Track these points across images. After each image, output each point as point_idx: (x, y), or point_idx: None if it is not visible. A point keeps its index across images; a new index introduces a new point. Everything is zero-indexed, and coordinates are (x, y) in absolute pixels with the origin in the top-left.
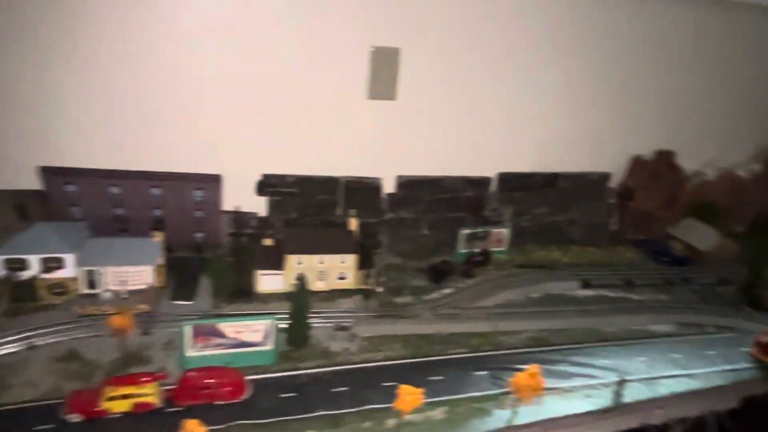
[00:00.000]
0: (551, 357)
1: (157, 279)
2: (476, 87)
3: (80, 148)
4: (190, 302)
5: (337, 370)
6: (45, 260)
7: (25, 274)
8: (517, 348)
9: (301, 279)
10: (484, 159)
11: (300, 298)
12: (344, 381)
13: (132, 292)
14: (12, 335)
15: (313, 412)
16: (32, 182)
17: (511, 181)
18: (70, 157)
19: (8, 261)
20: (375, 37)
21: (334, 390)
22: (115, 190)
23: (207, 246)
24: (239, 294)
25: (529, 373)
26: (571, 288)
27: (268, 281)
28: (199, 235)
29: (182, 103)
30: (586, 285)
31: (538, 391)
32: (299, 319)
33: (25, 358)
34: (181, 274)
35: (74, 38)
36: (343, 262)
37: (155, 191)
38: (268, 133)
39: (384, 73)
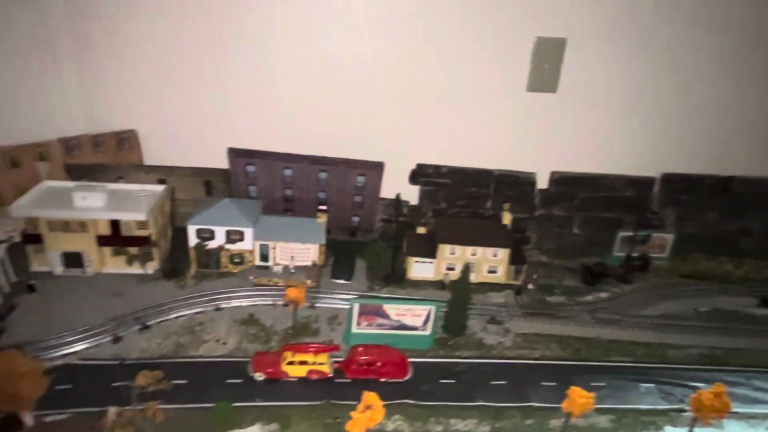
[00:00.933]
0: (728, 378)
1: (320, 257)
2: (643, 80)
3: (261, 133)
4: (349, 281)
5: (494, 363)
6: (229, 232)
7: (212, 244)
8: (687, 364)
9: (466, 268)
10: (646, 158)
11: (462, 287)
12: (502, 374)
13: (298, 268)
14: (202, 297)
15: (473, 401)
16: (220, 162)
17: (676, 183)
18: (253, 140)
19: (199, 231)
20: (540, 27)
21: (492, 382)
22: (287, 172)
23: (360, 230)
24: (392, 278)
25: (713, 392)
26: (747, 305)
27: (419, 268)
28: (355, 219)
29: (347, 93)
30: (765, 303)
31: (722, 413)
32: (459, 307)
33: (212, 318)
34: (338, 254)
35: (255, 37)
36: (495, 256)
37: (322, 175)
38: (424, 123)
39: (547, 64)
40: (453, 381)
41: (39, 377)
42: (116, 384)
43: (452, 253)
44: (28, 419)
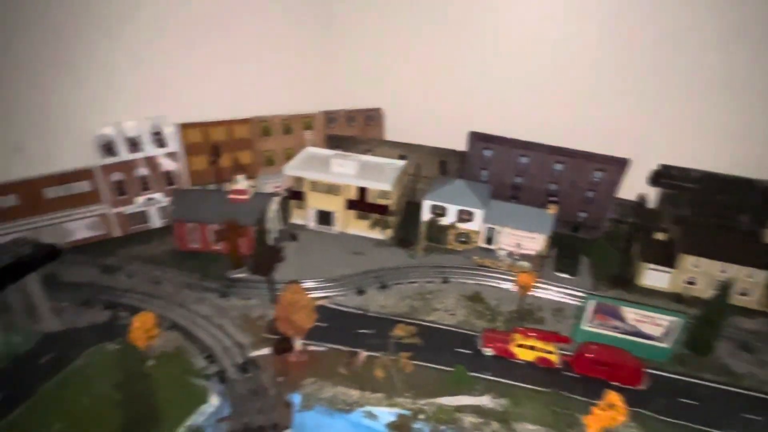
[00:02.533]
0: None
1: (545, 248)
2: None
3: (499, 119)
4: (573, 277)
5: (746, 395)
6: (461, 212)
7: (443, 221)
8: None
9: (726, 286)
10: None
11: (718, 305)
12: (756, 409)
13: (522, 256)
14: (431, 268)
15: (719, 430)
16: (456, 144)
17: None
18: (491, 126)
19: (434, 207)
20: None
21: (744, 415)
22: (523, 159)
23: (585, 227)
24: (619, 281)
25: None
26: None
27: (653, 276)
28: (582, 214)
29: (588, 83)
30: None
31: None
32: (710, 326)
33: (441, 289)
34: (562, 248)
35: (497, 23)
36: (750, 277)
37: (558, 166)
38: (671, 119)
39: None
40: (695, 402)
41: (312, 311)
42: (362, 331)
43: (696, 266)
44: (297, 344)
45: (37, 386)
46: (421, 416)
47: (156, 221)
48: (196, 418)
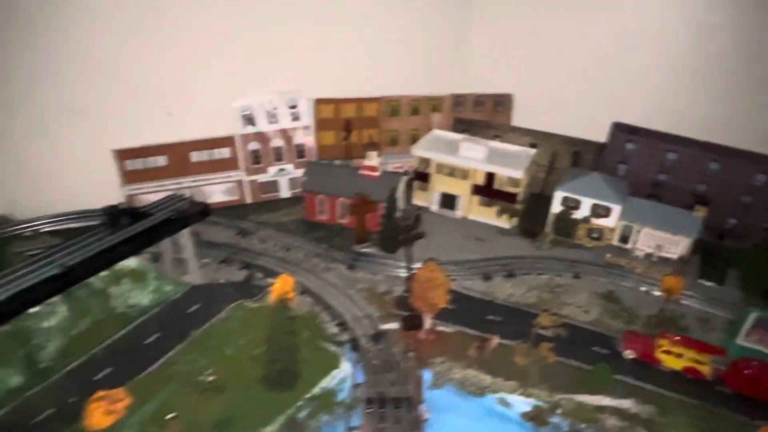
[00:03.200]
0: None
1: (688, 253)
2: None
3: (644, 111)
4: (720, 286)
5: None
6: (596, 206)
7: (575, 214)
8: None
9: None
10: None
11: None
12: None
13: (662, 258)
14: (559, 261)
15: None
16: (594, 134)
17: None
18: (635, 116)
19: (566, 199)
20: None
21: None
22: (670, 155)
23: (733, 234)
24: None
25: None
26: None
27: None
28: (732, 220)
29: (751, 76)
30: None
31: None
32: None
33: (571, 284)
34: (707, 255)
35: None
36: None
37: (713, 165)
38: None
39: None
40: None
41: (447, 290)
42: (490, 317)
43: None
44: (427, 322)
45: (187, 331)
46: (559, 411)
47: (285, 191)
48: (329, 381)
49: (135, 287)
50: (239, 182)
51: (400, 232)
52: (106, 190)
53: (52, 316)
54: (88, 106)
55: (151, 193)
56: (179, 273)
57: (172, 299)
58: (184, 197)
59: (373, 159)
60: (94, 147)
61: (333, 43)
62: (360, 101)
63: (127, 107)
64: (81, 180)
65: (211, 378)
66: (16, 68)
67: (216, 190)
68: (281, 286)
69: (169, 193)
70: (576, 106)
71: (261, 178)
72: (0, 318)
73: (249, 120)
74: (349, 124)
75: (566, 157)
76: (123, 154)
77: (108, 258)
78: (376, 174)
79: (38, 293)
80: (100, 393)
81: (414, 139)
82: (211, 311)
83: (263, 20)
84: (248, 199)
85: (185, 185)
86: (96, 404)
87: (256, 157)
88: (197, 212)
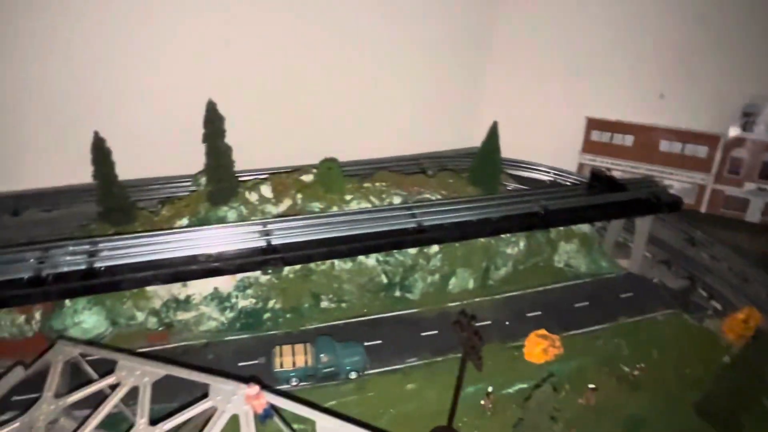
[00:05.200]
0: None
1: None
2: None
3: None
4: None
5: None
6: None
7: None
8: None
9: None
10: None
11: None
12: None
13: None
14: None
15: None
16: None
17: None
18: None
19: None
20: None
21: None
22: None
23: None
24: None
25: None
26: None
27: None
28: None
29: None
30: None
31: None
32: None
33: None
34: None
35: None
36: None
37: None
38: None
39: None
40: None
41: None
42: None
43: None
44: None
45: (616, 315)
46: None
47: (754, 214)
48: None
49: (579, 251)
50: (701, 187)
51: None
52: (567, 153)
53: (513, 245)
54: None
55: (604, 168)
56: (615, 255)
57: (606, 277)
58: (659, 184)
59: None
60: (570, 111)
61: None
62: None
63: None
64: (553, 139)
65: (636, 372)
66: None
67: (671, 186)
68: (746, 319)
69: (623, 173)
70: None
71: (731, 191)
72: (490, 233)
73: (747, 123)
74: None
75: None
76: (594, 124)
77: (578, 215)
78: None
79: (516, 223)
80: (543, 331)
81: None
82: (644, 306)
83: None
84: (703, 208)
85: (640, 170)
86: (537, 340)
87: (735, 166)
88: (668, 203)
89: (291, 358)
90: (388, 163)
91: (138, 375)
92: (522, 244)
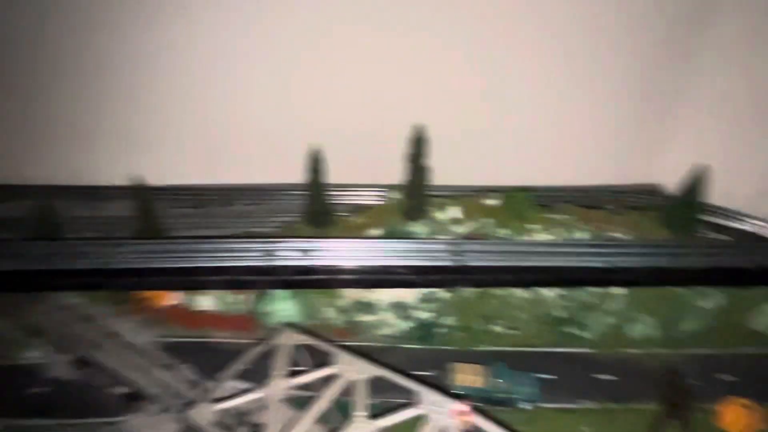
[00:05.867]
0: None
1: None
2: None
3: None
4: None
5: None
6: None
7: None
8: None
9: None
10: None
11: None
12: None
13: None
14: None
15: None
16: None
17: None
18: None
19: None
20: None
21: None
22: None
23: None
24: None
25: None
26: None
27: None
28: None
29: None
30: None
31: None
32: None
33: None
34: None
35: None
36: None
37: None
38: None
39: None
40: None
41: None
42: None
43: None
44: None
45: None
46: None
47: None
48: None
49: None
50: None
51: None
52: None
53: (709, 299)
54: None
55: None
56: None
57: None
58: None
59: None
60: None
61: None
62: None
63: None
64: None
65: None
66: None
67: None
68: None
69: None
70: None
71: None
72: (688, 282)
73: None
74: None
75: None
76: None
77: None
78: None
79: (720, 276)
80: (746, 401)
81: None
82: None
83: None
84: None
85: None
86: (740, 410)
87: None
88: None
89: (469, 377)
90: (562, 192)
91: (355, 370)
92: (719, 298)
